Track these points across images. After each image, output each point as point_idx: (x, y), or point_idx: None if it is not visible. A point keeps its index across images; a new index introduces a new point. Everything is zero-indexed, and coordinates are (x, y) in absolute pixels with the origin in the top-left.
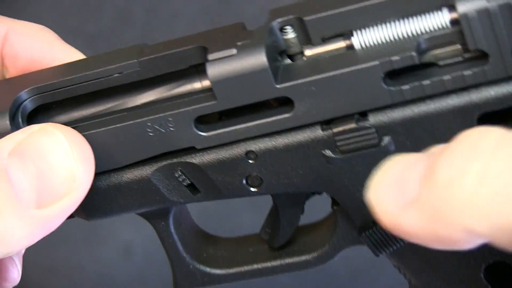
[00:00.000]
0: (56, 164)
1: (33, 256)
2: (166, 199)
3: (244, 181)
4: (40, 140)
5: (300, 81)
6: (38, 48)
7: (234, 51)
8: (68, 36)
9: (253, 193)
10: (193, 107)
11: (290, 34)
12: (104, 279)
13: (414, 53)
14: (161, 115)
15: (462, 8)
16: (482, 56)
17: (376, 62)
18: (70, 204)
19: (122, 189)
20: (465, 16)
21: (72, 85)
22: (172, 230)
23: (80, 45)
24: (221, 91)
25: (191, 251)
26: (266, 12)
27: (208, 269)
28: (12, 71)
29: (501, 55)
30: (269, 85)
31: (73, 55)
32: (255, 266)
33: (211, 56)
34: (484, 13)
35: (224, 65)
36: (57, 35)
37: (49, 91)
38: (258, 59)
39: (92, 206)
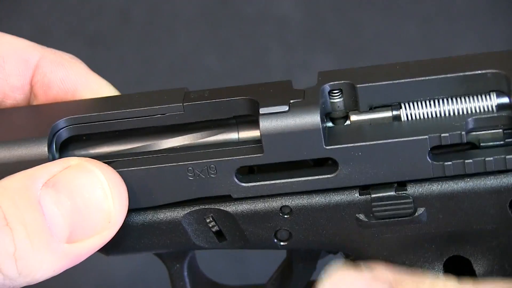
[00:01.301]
0: (93, 202)
1: None
2: (191, 243)
3: (273, 234)
4: (77, 175)
5: (348, 145)
6: (72, 79)
7: (286, 108)
8: (68, 36)
9: (280, 247)
10: (239, 157)
11: (338, 98)
12: (104, 279)
13: (463, 133)
14: (204, 161)
15: None
16: None
17: (425, 136)
18: (101, 242)
19: (150, 228)
20: None
21: (113, 120)
22: (185, 273)
23: (80, 45)
24: (270, 145)
25: None
26: (266, 11)
27: None
28: (41, 99)
29: None
30: (318, 145)
31: (105, 87)
32: None
33: (263, 110)
34: None
35: (277, 120)
36: (86, 66)
37: (88, 123)
38: (312, 119)
39: (116, 243)
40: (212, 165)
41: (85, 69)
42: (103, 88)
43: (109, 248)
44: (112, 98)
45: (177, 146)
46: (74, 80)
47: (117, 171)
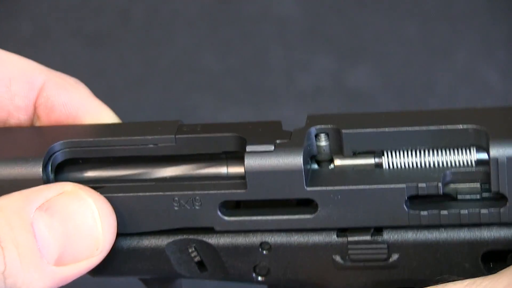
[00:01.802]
0: (83, 229)
1: None
2: (173, 271)
3: (252, 269)
4: (71, 202)
5: (329, 188)
6: (74, 103)
7: (272, 147)
8: (68, 36)
9: (258, 282)
10: (223, 191)
11: (324, 141)
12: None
13: (440, 184)
14: (190, 192)
15: (494, 152)
16: (500, 199)
17: (403, 186)
18: (88, 267)
19: (135, 253)
20: (496, 160)
21: (107, 146)
22: None
23: (80, 45)
24: (253, 182)
25: None
26: (266, 11)
27: None
28: (44, 121)
29: None
30: (300, 186)
31: (106, 112)
32: None
33: (249, 148)
34: None
35: (261, 159)
36: (89, 90)
37: (83, 147)
38: (295, 160)
39: (101, 265)
40: (197, 197)
41: (87, 94)
42: (103, 114)
43: (95, 270)
44: (111, 125)
45: (167, 176)
46: (76, 104)
47: (107, 196)
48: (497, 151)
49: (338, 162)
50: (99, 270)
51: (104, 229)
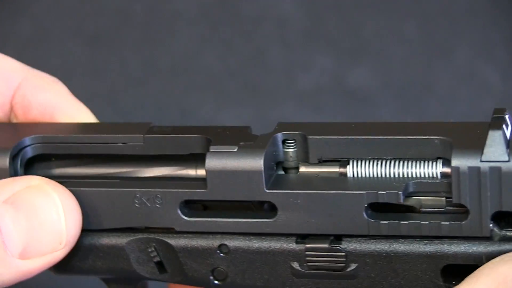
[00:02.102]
0: (47, 224)
1: None
2: (133, 270)
3: (210, 272)
4: (36, 197)
5: (288, 191)
6: (51, 102)
7: (235, 148)
8: (68, 36)
9: (216, 286)
10: (183, 190)
11: (291, 148)
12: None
13: (400, 193)
14: (151, 189)
15: (455, 162)
16: (462, 212)
17: (362, 192)
18: (52, 261)
19: (95, 251)
20: (456, 170)
21: (76, 143)
22: None
23: (80, 45)
24: (214, 182)
25: None
26: (266, 11)
27: None
28: (21, 120)
29: (480, 216)
30: (259, 188)
31: (83, 111)
32: None
33: (212, 148)
34: (474, 172)
35: (223, 159)
36: (67, 89)
37: (53, 143)
38: (256, 161)
39: (63, 262)
40: (158, 195)
41: (65, 93)
42: (81, 113)
43: (58, 268)
44: (85, 124)
45: (134, 176)
46: (53, 104)
47: (71, 190)
48: (459, 160)
49: (303, 169)
50: (61, 267)
51: (68, 223)
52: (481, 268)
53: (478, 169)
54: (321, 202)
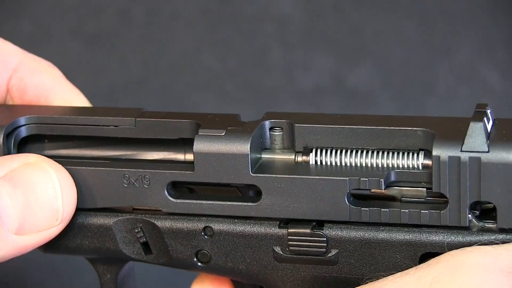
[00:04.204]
0: (44, 200)
1: (33, 256)
2: (119, 250)
3: (194, 255)
4: (33, 173)
5: (272, 175)
6: (46, 86)
7: (222, 132)
8: (68, 36)
9: (200, 268)
10: (171, 171)
11: (278, 135)
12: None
13: (382, 180)
14: (139, 170)
15: (436, 151)
16: (442, 202)
17: (345, 178)
18: (47, 237)
19: (84, 230)
20: (437, 159)
21: (70, 124)
22: (115, 286)
23: (80, 45)
24: (201, 164)
25: None
26: (266, 11)
27: None
28: (17, 102)
29: (459, 205)
30: (245, 171)
31: (77, 96)
32: None
33: (201, 131)
34: (455, 161)
35: (210, 142)
36: (62, 74)
37: (46, 124)
38: (243, 145)
39: (52, 240)
40: (146, 176)
41: (60, 78)
42: (74, 97)
43: (46, 245)
44: (78, 108)
45: (124, 157)
46: (49, 87)
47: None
48: (440, 150)
49: (288, 156)
50: (50, 245)
51: (64, 200)
52: (443, 254)
53: (458, 159)
54: (304, 187)
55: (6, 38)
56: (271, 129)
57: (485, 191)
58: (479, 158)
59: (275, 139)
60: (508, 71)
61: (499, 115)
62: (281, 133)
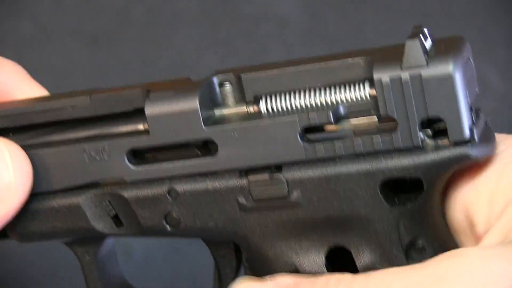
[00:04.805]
0: None
1: (33, 256)
2: (92, 228)
3: (163, 219)
4: None
5: (225, 126)
6: (9, 82)
7: (172, 93)
8: (68, 36)
9: (170, 233)
10: (128, 138)
11: (228, 90)
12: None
13: (330, 112)
14: (97, 142)
15: (377, 75)
16: (393, 125)
17: (294, 116)
18: (5, 211)
19: (54, 212)
20: (379, 82)
21: (29, 113)
22: (96, 266)
23: (80, 45)
24: (155, 127)
25: None
26: (266, 11)
27: None
28: None
29: (409, 125)
30: (198, 126)
31: (42, 93)
32: None
33: (152, 96)
34: (396, 81)
35: (161, 104)
36: (26, 72)
37: (6, 116)
38: (191, 101)
39: (25, 228)
40: (105, 147)
41: (23, 75)
42: (39, 93)
43: (20, 233)
44: (36, 98)
45: (85, 136)
46: (12, 84)
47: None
48: (380, 73)
49: (239, 108)
50: (23, 234)
51: (15, 171)
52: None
53: (399, 77)
54: (256, 133)
55: (6, 38)
56: (220, 85)
57: (431, 106)
58: (419, 73)
59: (226, 95)
60: (508, 71)
61: (499, 115)
62: (230, 87)
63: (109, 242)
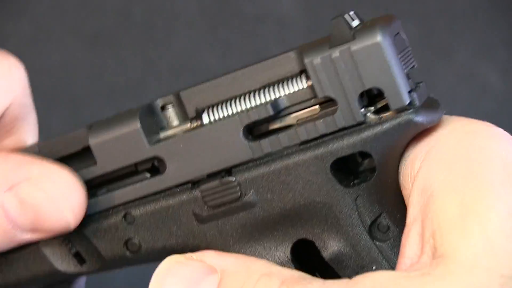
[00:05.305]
0: None
1: None
2: (56, 270)
3: (124, 247)
4: None
5: (169, 140)
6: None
7: (112, 120)
8: (68, 36)
9: (133, 260)
10: (77, 172)
11: (171, 112)
12: (104, 279)
13: (268, 106)
14: None
15: (307, 58)
16: (333, 107)
17: (235, 117)
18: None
19: (15, 261)
20: (311, 65)
21: None
22: None
23: (80, 45)
24: (100, 155)
25: None
26: (266, 11)
27: None
28: None
29: (348, 102)
30: (142, 146)
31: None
32: None
33: (93, 127)
34: (327, 60)
35: (103, 131)
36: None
37: None
38: (132, 122)
39: None
40: None
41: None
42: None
43: None
44: None
45: None
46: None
47: None
48: (310, 56)
49: (184, 125)
50: None
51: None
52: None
53: (329, 56)
54: (201, 140)
55: (6, 38)
56: (163, 108)
57: (366, 78)
58: (348, 48)
59: (169, 117)
60: (508, 71)
61: (499, 115)
62: (172, 108)
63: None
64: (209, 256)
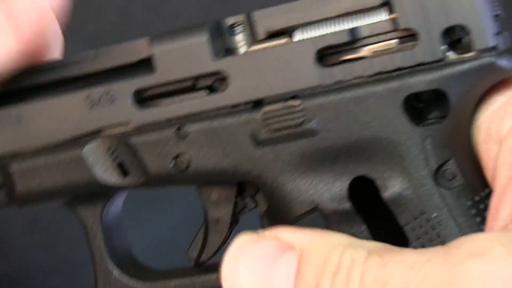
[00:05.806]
0: None
1: (33, 256)
2: (96, 181)
3: (172, 163)
4: None
5: (236, 56)
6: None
7: (179, 31)
8: (68, 36)
9: (180, 178)
10: (132, 79)
11: (239, 33)
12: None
13: (345, 32)
14: (100, 87)
15: None
16: (412, 40)
17: (309, 40)
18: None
19: (55, 166)
20: None
21: (35, 71)
22: (101, 231)
23: (80, 45)
24: (161, 63)
25: (116, 259)
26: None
27: (131, 281)
28: None
29: (430, 37)
30: (207, 59)
31: None
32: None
33: (157, 37)
34: None
35: (167, 40)
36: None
37: (13, 78)
38: (200, 35)
39: (25, 186)
40: (108, 91)
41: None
42: None
43: (18, 194)
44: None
45: (87, 84)
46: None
47: (21, 107)
48: None
49: (253, 47)
50: (22, 194)
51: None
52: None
53: None
54: (269, 59)
55: None
56: (231, 31)
57: (453, 14)
58: None
59: (237, 37)
60: None
61: None
62: (241, 28)
63: (115, 209)
64: (283, 233)
